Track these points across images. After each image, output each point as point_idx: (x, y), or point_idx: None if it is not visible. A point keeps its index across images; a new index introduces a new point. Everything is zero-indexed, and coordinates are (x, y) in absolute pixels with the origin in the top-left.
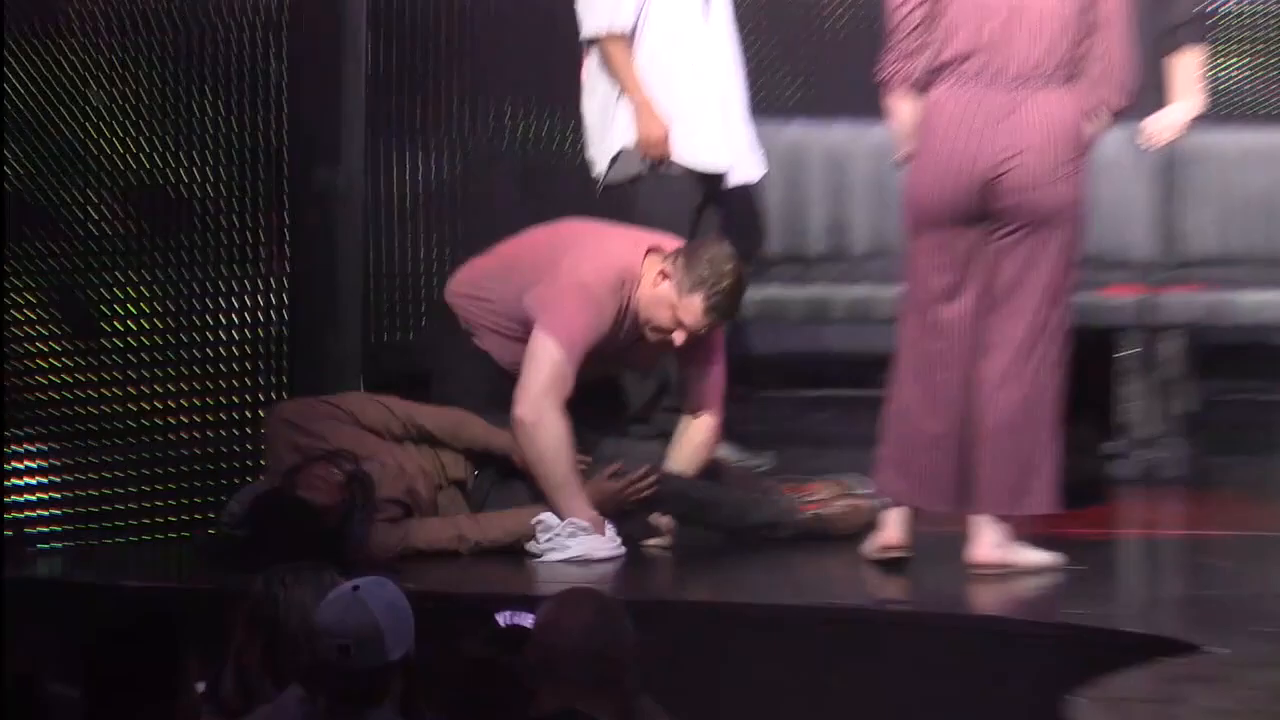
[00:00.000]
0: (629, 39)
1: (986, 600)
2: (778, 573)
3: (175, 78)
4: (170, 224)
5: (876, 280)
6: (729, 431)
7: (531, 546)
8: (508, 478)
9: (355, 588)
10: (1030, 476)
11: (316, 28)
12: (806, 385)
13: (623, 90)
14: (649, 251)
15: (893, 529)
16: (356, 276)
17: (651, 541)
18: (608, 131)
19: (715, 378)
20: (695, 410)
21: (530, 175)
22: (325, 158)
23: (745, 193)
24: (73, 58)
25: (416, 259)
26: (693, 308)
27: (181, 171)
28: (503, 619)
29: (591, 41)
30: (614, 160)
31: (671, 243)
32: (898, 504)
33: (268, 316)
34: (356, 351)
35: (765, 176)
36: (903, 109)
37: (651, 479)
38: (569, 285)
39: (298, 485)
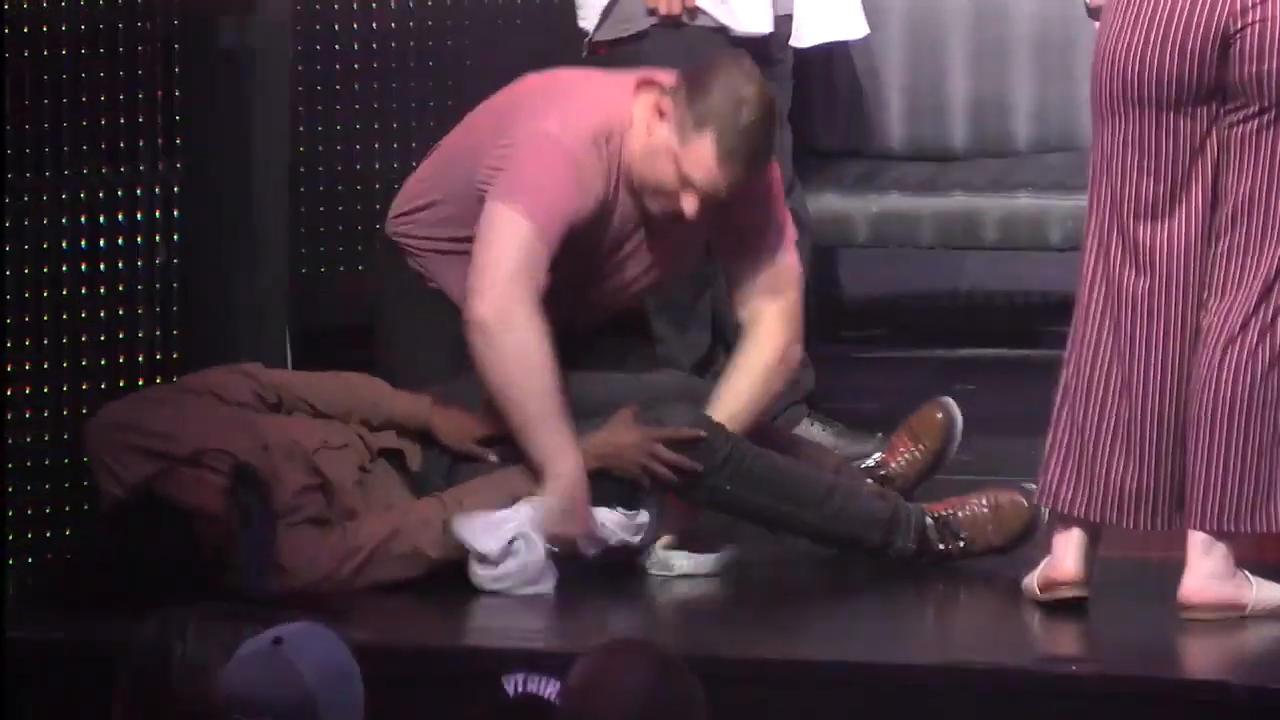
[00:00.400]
0: None
1: (1202, 659)
2: (888, 611)
3: None
4: (15, 108)
5: (1043, 188)
6: (823, 406)
7: (472, 564)
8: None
9: (277, 640)
10: (1270, 479)
11: None
12: (940, 341)
13: None
14: (640, 87)
15: (1065, 558)
16: (278, 181)
17: (669, 556)
18: None
19: (781, 268)
20: (753, 322)
21: (510, 30)
22: (233, 3)
23: (838, 61)
24: None
25: (362, 152)
26: (701, 154)
27: (24, 26)
28: (511, 685)
29: None
30: (609, 7)
31: (671, 77)
32: (1072, 521)
33: (150, 239)
34: (281, 291)
35: (881, 33)
36: None
37: (696, 437)
38: (532, 137)
39: (162, 491)
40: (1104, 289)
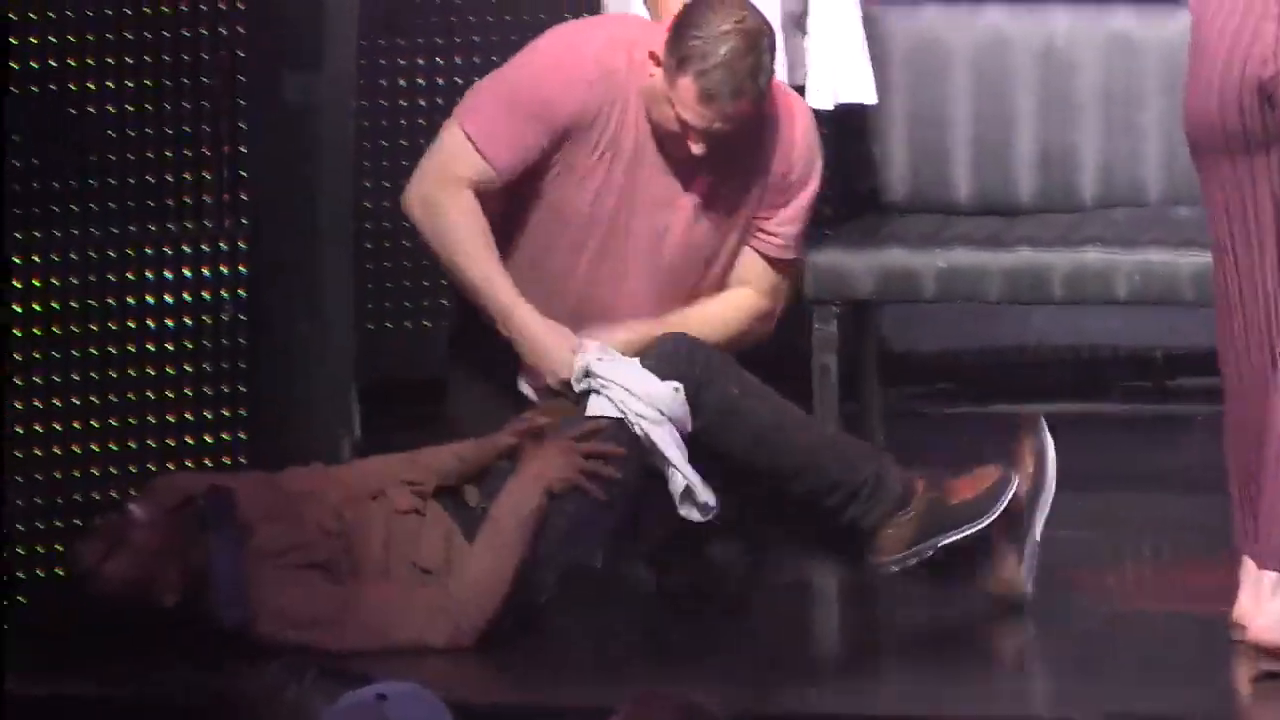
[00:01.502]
0: None
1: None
2: (914, 658)
3: None
4: (68, 160)
5: (1110, 242)
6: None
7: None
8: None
9: (381, 696)
10: None
11: None
12: (1007, 396)
13: None
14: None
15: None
16: (343, 235)
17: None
18: None
19: (794, 215)
20: (736, 283)
21: None
22: (300, 60)
23: (901, 116)
24: None
25: None
26: (685, 95)
27: (89, 82)
28: None
29: None
30: None
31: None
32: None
33: (216, 293)
34: (347, 345)
35: (947, 89)
36: None
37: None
38: (517, 59)
39: (79, 556)
40: (1220, 325)
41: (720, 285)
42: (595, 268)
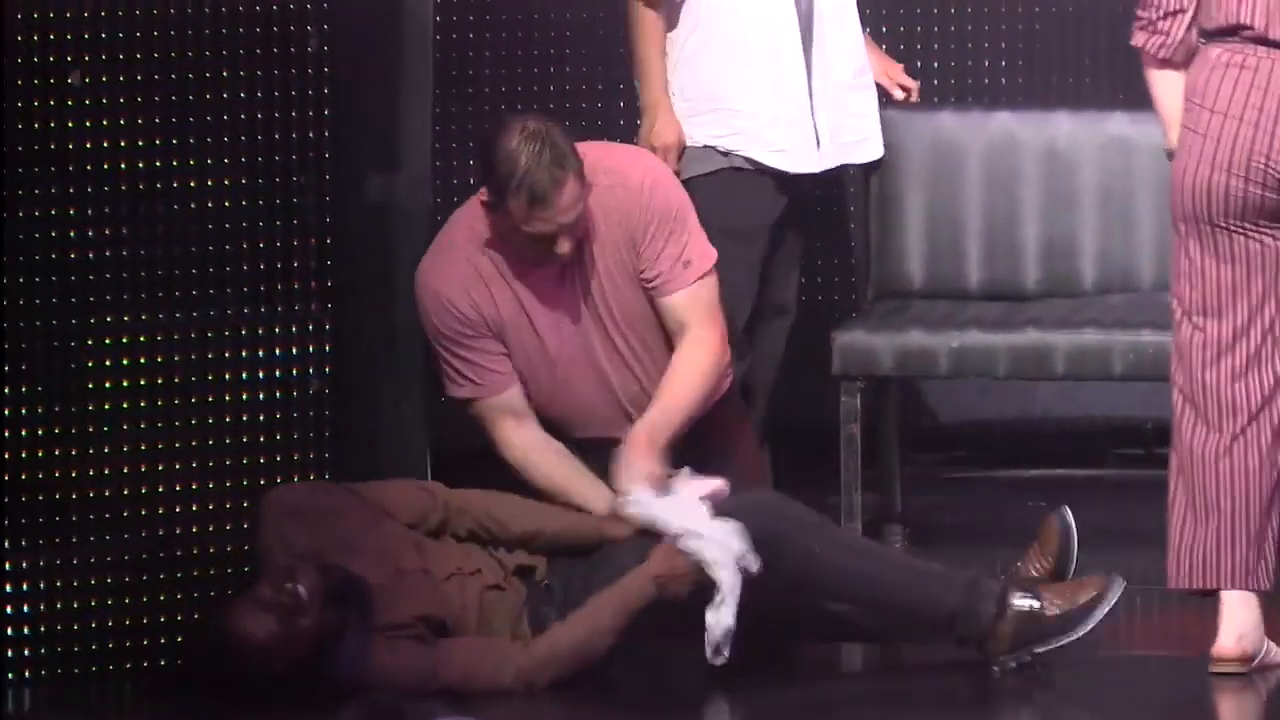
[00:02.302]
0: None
1: None
2: None
3: (185, 63)
4: (173, 251)
5: (1107, 325)
6: (911, 520)
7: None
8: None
9: None
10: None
11: (369, 5)
12: (1015, 462)
13: (635, 72)
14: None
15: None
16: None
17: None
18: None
19: (672, 250)
20: (673, 330)
21: None
22: (380, 162)
23: (919, 210)
24: (64, 45)
25: None
26: (519, 214)
27: (192, 181)
28: None
29: None
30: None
31: None
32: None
33: (304, 369)
34: (421, 415)
35: (961, 185)
36: (1162, 85)
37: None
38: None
39: (230, 614)
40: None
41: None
42: (588, 373)
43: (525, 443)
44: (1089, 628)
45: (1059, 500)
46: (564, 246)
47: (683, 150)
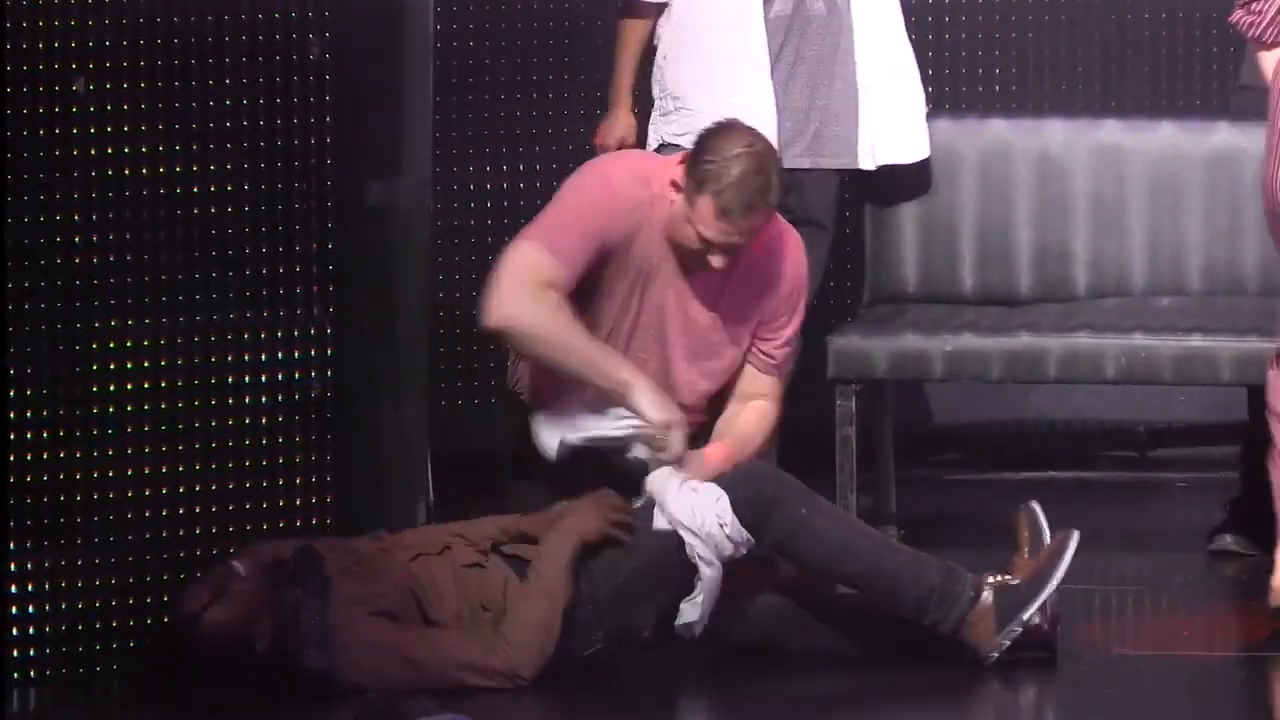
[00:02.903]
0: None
1: None
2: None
3: (189, 71)
4: (176, 255)
5: (1099, 329)
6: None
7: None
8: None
9: None
10: None
11: (371, 11)
12: (1008, 465)
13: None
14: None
15: None
16: (420, 323)
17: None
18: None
19: (792, 331)
20: (743, 394)
21: None
22: (381, 168)
23: (917, 217)
24: (68, 52)
25: None
26: (704, 214)
27: (195, 187)
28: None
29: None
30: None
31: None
32: None
33: (306, 372)
34: (421, 419)
35: (955, 191)
36: (1265, 64)
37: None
38: (562, 193)
39: (178, 603)
40: None
41: (723, 389)
42: (660, 365)
43: (558, 303)
44: (1060, 576)
45: (1051, 502)
46: (718, 262)
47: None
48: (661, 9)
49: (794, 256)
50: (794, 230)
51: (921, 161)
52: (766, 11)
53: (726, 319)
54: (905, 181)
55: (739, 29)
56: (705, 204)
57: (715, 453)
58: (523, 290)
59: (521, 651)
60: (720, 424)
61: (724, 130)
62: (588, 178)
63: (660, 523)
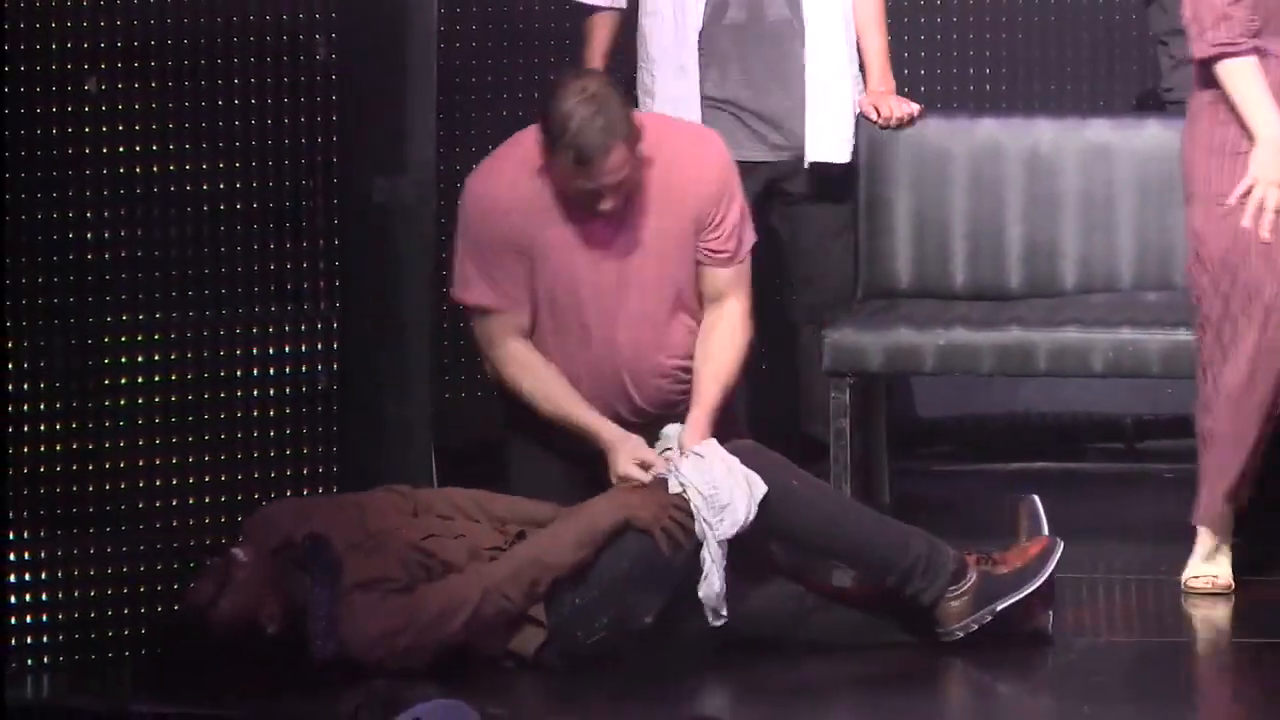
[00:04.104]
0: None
1: None
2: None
3: (197, 71)
4: (186, 251)
5: (1088, 323)
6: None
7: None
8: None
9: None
10: None
11: (376, 8)
12: (999, 456)
13: None
14: None
15: None
16: (423, 317)
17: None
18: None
19: (735, 221)
20: (710, 295)
21: None
22: (386, 165)
23: (909, 214)
24: (80, 53)
25: None
26: (565, 169)
27: (204, 184)
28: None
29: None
30: None
31: None
32: None
33: (312, 366)
34: (425, 411)
35: (947, 189)
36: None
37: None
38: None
39: (185, 596)
40: None
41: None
42: (605, 328)
43: (527, 361)
44: (1043, 579)
45: (1040, 493)
46: (607, 204)
47: None
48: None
49: (702, 156)
50: (701, 132)
51: (914, 159)
52: (720, 18)
53: (650, 251)
54: (898, 179)
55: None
56: (563, 161)
57: (699, 418)
58: (489, 353)
59: (515, 584)
60: (696, 356)
61: (558, 84)
62: (461, 203)
63: (673, 485)
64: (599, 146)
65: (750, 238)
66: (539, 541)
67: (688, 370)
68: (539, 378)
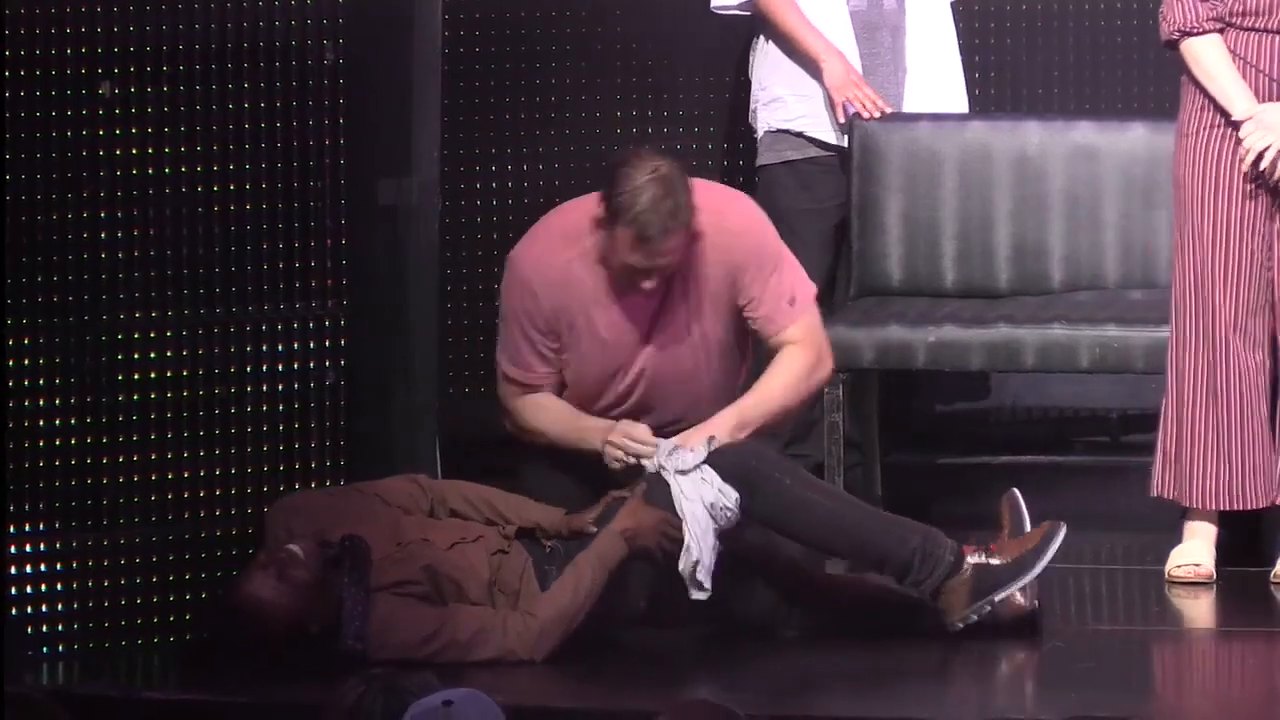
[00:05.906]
0: None
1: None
2: (946, 670)
3: (206, 72)
4: (198, 251)
5: (1074, 320)
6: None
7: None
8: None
9: (447, 702)
10: None
11: (382, 14)
12: (987, 450)
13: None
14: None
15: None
16: (429, 315)
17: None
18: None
19: (776, 289)
20: (772, 338)
21: None
22: (392, 167)
23: (900, 215)
24: (95, 57)
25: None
26: (623, 244)
27: (215, 185)
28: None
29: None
30: (762, 139)
31: None
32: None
33: (320, 363)
34: (430, 406)
35: (937, 190)
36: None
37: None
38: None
39: (235, 583)
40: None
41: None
42: (641, 396)
43: (544, 403)
44: (1039, 569)
45: (1028, 486)
46: (651, 283)
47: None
48: None
49: (734, 216)
50: (727, 190)
51: (904, 161)
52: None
53: (705, 310)
54: (889, 180)
55: (822, 22)
56: (623, 234)
57: (724, 413)
58: (514, 416)
59: (543, 637)
60: None
61: (631, 160)
62: (505, 277)
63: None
64: (663, 229)
65: (806, 292)
66: (562, 595)
67: None
68: (549, 407)
